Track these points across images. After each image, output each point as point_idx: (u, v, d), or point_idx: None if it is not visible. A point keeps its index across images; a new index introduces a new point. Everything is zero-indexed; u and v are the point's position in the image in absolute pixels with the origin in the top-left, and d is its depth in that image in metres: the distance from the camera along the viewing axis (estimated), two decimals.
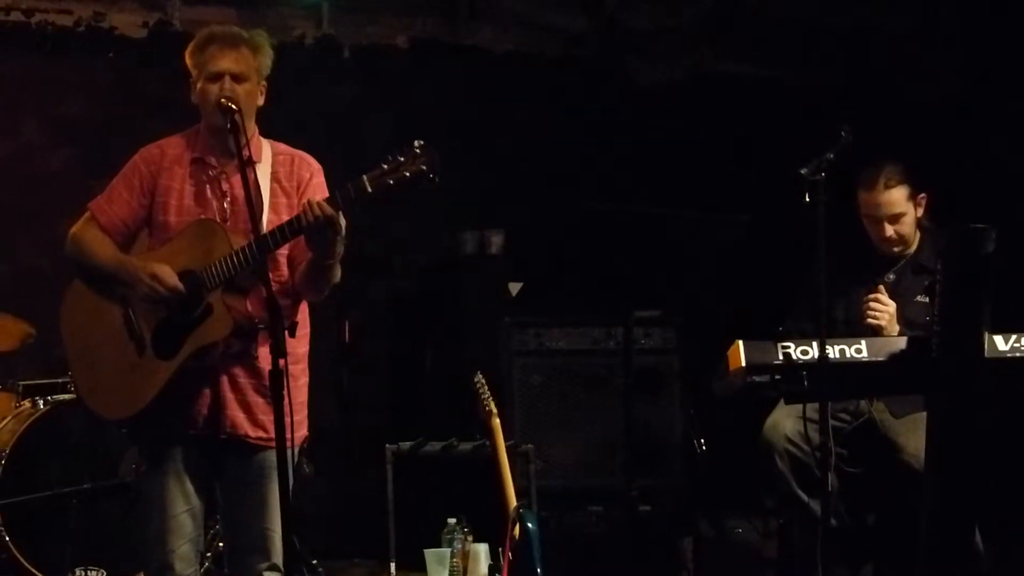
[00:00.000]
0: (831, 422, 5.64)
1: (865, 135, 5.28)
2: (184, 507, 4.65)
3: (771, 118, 8.71)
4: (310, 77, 8.44)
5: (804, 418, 5.34)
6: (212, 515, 4.98)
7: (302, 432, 4.74)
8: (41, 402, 6.86)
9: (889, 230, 5.95)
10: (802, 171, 5.08)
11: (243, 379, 4.63)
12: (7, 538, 6.59)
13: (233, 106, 4.51)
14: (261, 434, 4.64)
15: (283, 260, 4.70)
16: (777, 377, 5.10)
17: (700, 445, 7.11)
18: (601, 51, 9.10)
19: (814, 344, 5.06)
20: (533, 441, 7.14)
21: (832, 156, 5.11)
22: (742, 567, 7.06)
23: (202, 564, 6.21)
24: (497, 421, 6.20)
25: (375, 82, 8.75)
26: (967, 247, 4.74)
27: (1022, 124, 7.70)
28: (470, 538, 7.16)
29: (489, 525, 6.60)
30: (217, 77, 4.64)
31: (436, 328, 8.37)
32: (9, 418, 6.88)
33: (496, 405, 6.25)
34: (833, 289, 5.81)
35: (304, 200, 4.66)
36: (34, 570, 6.60)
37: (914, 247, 6.03)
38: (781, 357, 5.07)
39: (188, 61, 4.73)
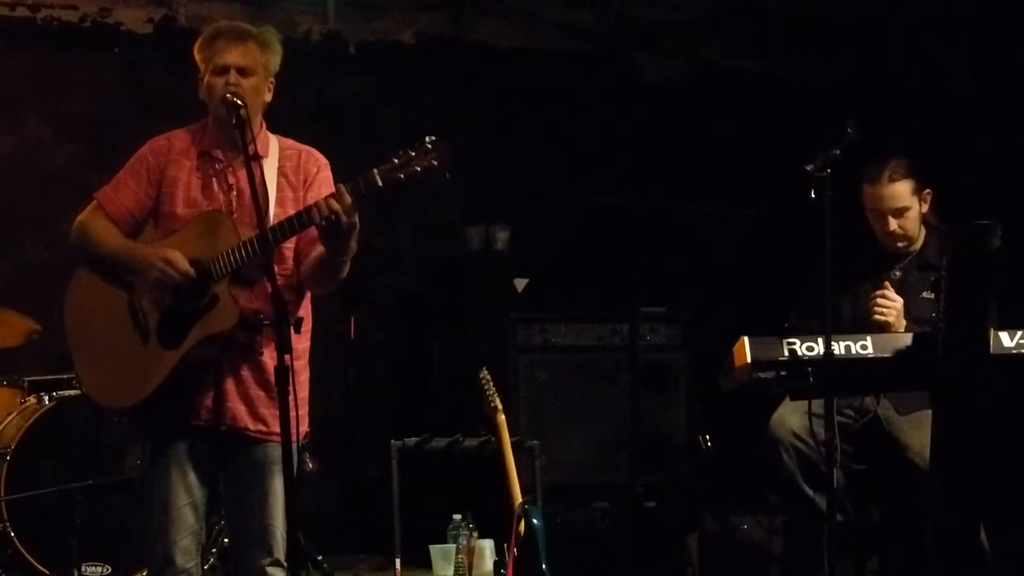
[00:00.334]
0: (836, 418, 5.64)
1: (871, 131, 5.27)
2: (186, 499, 4.63)
3: (777, 114, 8.70)
4: (315, 73, 8.43)
5: (810, 414, 5.33)
6: (216, 510, 4.97)
7: (303, 427, 4.73)
8: (46, 398, 6.85)
9: (893, 224, 5.93)
10: (808, 167, 5.07)
11: (246, 372, 4.62)
12: (12, 534, 6.60)
13: (239, 101, 4.50)
14: (261, 427, 4.63)
15: (289, 254, 4.69)
16: (783, 373, 5.10)
17: (705, 441, 7.10)
18: (607, 47, 9.09)
19: (819, 340, 5.05)
20: (539, 437, 7.13)
21: (838, 152, 5.10)
22: (748, 564, 7.05)
23: (207, 560, 6.21)
24: (502, 417, 6.20)
25: (381, 78, 8.75)
26: (972, 243, 4.74)
27: None
28: (475, 534, 7.15)
29: (494, 521, 6.60)
30: (223, 70, 4.63)
31: (442, 324, 8.37)
32: (14, 414, 6.89)
33: (502, 401, 6.25)
34: (839, 287, 5.81)
35: (311, 194, 4.67)
36: (39, 566, 6.61)
37: (919, 244, 6.01)
38: (787, 353, 5.07)
39: (196, 56, 4.72)
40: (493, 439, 6.28)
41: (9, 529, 6.60)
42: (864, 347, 5.09)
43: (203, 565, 4.86)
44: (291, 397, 4.15)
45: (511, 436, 6.27)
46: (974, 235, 4.75)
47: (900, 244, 5.97)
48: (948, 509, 4.94)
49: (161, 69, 8.04)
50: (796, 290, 6.02)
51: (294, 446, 4.46)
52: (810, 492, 5.79)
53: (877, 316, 5.73)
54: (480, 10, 8.91)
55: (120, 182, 4.76)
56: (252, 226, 4.48)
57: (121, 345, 4.66)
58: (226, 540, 6.42)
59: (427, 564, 7.20)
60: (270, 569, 4.64)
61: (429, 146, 4.45)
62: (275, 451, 4.49)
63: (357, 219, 4.44)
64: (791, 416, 5.77)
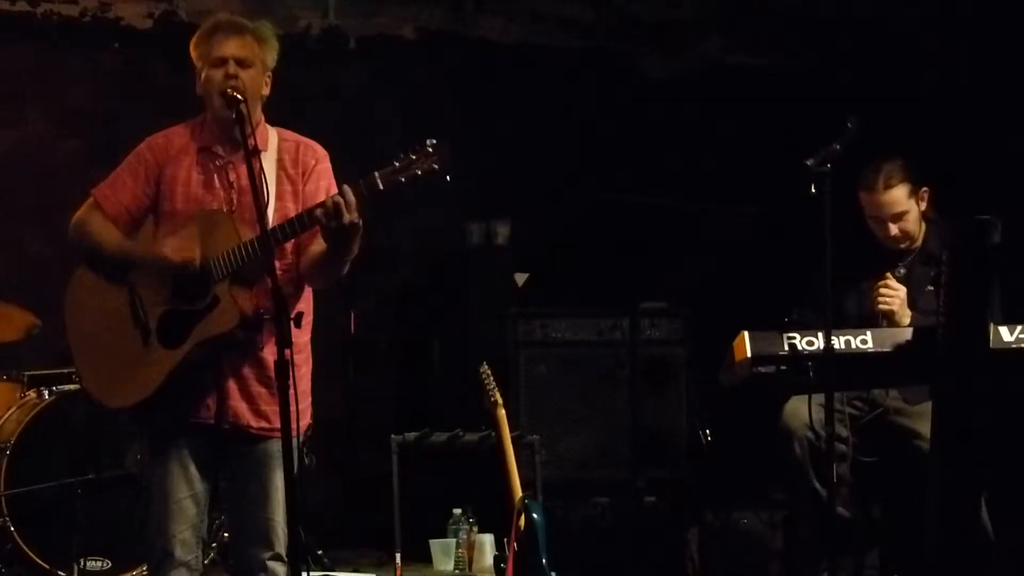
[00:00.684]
0: (847, 410, 5.65)
1: (873, 126, 5.26)
2: (187, 492, 4.64)
3: (779, 110, 8.70)
4: (316, 68, 8.43)
5: (827, 405, 5.28)
6: (217, 504, 4.97)
7: (305, 421, 4.74)
8: (46, 393, 6.86)
9: (893, 229, 5.94)
10: (808, 162, 5.07)
11: (246, 369, 4.62)
12: (12, 528, 6.60)
13: (238, 96, 4.50)
14: (263, 424, 4.63)
15: (289, 247, 4.68)
16: (783, 368, 5.10)
17: (706, 436, 7.11)
18: (608, 42, 9.09)
19: (820, 335, 5.05)
20: (539, 432, 7.14)
21: (838, 147, 5.10)
22: (748, 558, 7.05)
23: (207, 555, 6.22)
24: (503, 412, 6.20)
25: (381, 73, 8.74)
26: (972, 238, 4.74)
27: None
28: (475, 529, 7.17)
29: (494, 516, 6.61)
30: (221, 62, 4.61)
31: (442, 319, 8.37)
32: (14, 408, 6.89)
33: (502, 396, 6.25)
34: (843, 284, 5.83)
35: (309, 186, 4.67)
36: (39, 560, 6.61)
37: (920, 239, 6.02)
38: (787, 348, 5.07)
39: (193, 52, 4.72)
40: (493, 434, 6.28)
41: (9, 524, 6.60)
42: (864, 341, 5.09)
43: (203, 559, 4.85)
44: (291, 392, 4.15)
45: (511, 431, 6.27)
46: (974, 230, 4.75)
47: (902, 245, 5.98)
48: (948, 501, 4.94)
49: (161, 64, 8.03)
50: (796, 286, 6.02)
51: (295, 440, 4.47)
52: (819, 486, 5.77)
53: (881, 306, 5.74)
54: (481, 6, 8.91)
55: (117, 179, 4.74)
56: (252, 223, 4.48)
57: (122, 345, 4.66)
58: (226, 535, 6.43)
59: (427, 559, 7.21)
60: (271, 563, 4.65)
61: (430, 149, 4.46)
62: (276, 446, 4.49)
63: (360, 220, 4.43)
64: (805, 407, 5.74)
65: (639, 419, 7.25)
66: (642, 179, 8.35)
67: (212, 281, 4.54)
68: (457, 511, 7.24)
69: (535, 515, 5.90)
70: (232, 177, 4.68)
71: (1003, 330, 5.01)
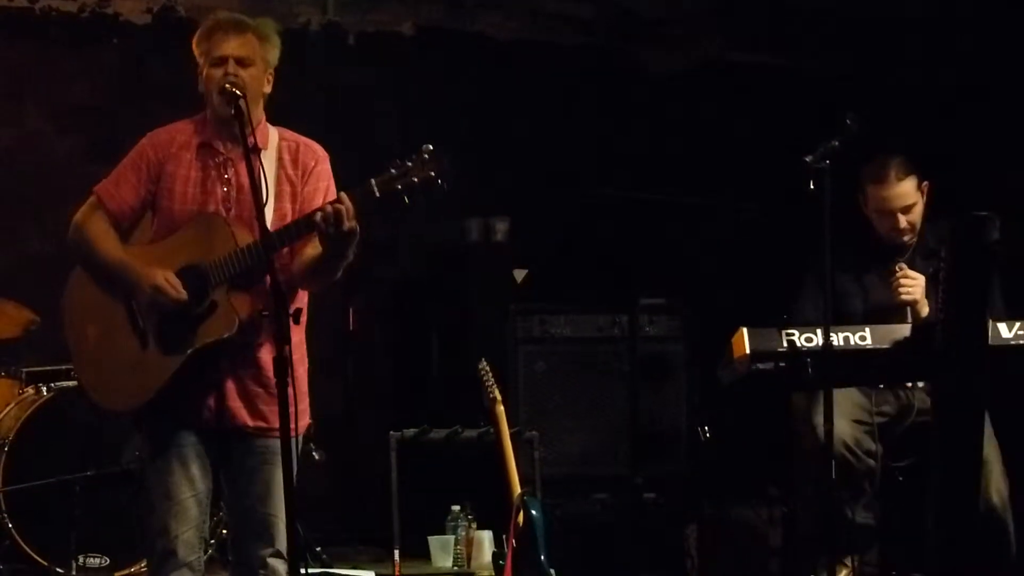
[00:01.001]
0: (876, 419, 5.62)
1: (873, 123, 5.26)
2: (189, 492, 4.63)
3: (779, 106, 8.69)
4: (315, 64, 8.42)
5: (827, 402, 5.25)
6: (217, 502, 4.97)
7: (305, 420, 4.73)
8: (44, 389, 6.85)
9: (903, 221, 5.94)
10: (807, 159, 5.07)
11: (243, 370, 4.62)
12: (10, 525, 6.60)
13: (237, 92, 4.49)
14: (260, 423, 4.62)
15: (285, 250, 4.67)
16: (781, 364, 5.10)
17: (705, 433, 7.10)
18: (608, 39, 9.08)
19: (818, 331, 5.05)
20: (538, 428, 7.14)
21: (837, 144, 5.10)
22: (747, 555, 7.05)
23: (206, 551, 6.21)
24: (501, 408, 6.20)
25: (380, 69, 8.73)
26: (971, 235, 4.74)
27: None
28: (474, 525, 7.17)
29: (493, 512, 6.60)
30: (222, 61, 4.61)
31: (441, 315, 8.37)
32: (12, 405, 6.88)
33: (501, 392, 6.25)
34: (844, 282, 5.82)
35: (308, 187, 4.67)
36: (37, 557, 6.61)
37: (917, 234, 6.03)
38: (786, 344, 5.07)
39: (195, 49, 4.70)
40: (492, 430, 6.28)
41: (7, 520, 6.60)
42: (863, 338, 5.09)
43: (203, 556, 4.85)
44: (290, 390, 4.15)
45: (510, 427, 6.26)
46: (973, 227, 4.75)
47: (906, 238, 5.98)
48: (948, 497, 4.94)
49: (160, 60, 8.02)
50: (794, 283, 6.01)
51: (297, 439, 4.47)
52: (849, 513, 5.74)
53: (904, 296, 5.72)
54: (480, 2, 8.90)
55: (120, 176, 4.73)
56: (250, 221, 4.48)
57: (120, 349, 4.65)
58: (225, 531, 6.43)
59: (426, 555, 7.21)
60: (270, 560, 4.64)
61: (427, 156, 4.45)
62: (275, 443, 4.46)
63: (357, 226, 4.43)
64: (841, 424, 5.67)
65: (638, 415, 7.26)
66: (641, 176, 8.34)
67: (210, 286, 4.54)
68: (456, 508, 7.25)
69: (534, 512, 5.90)
70: (231, 174, 4.67)
71: (1002, 327, 5.01)
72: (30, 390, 6.91)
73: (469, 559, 7.13)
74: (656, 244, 8.15)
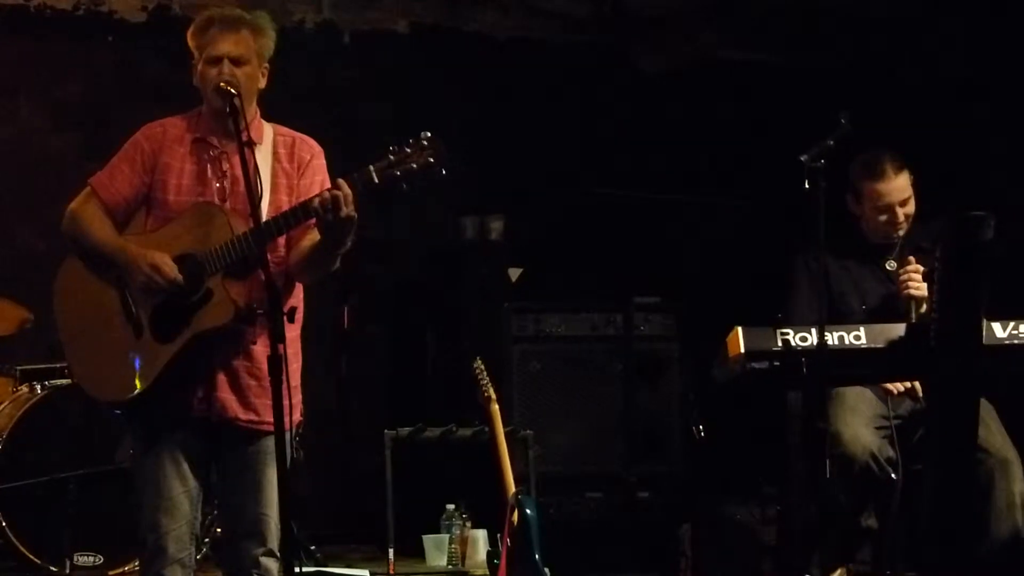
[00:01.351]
0: (893, 422, 5.60)
1: (866, 120, 5.26)
2: (180, 488, 4.62)
3: (774, 105, 8.69)
4: (310, 62, 8.42)
5: (821, 399, 5.25)
6: (209, 499, 4.96)
7: (296, 416, 4.73)
8: (39, 387, 6.85)
9: (900, 215, 5.94)
10: (801, 158, 5.06)
11: (237, 362, 4.61)
12: (4, 523, 6.59)
13: (232, 90, 4.49)
14: (252, 417, 4.61)
15: (281, 241, 4.66)
16: (776, 364, 5.09)
17: (699, 431, 7.10)
18: (603, 37, 9.08)
19: (813, 331, 5.04)
20: (532, 427, 7.15)
21: (832, 142, 5.10)
22: (740, 553, 7.05)
23: (200, 550, 6.21)
24: (496, 407, 6.20)
25: (375, 68, 8.73)
26: (966, 234, 4.74)
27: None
28: (468, 524, 7.17)
29: (488, 511, 6.60)
30: (217, 60, 4.60)
31: (436, 314, 8.37)
32: (6, 403, 6.88)
33: (495, 391, 6.25)
34: (837, 281, 5.82)
35: (304, 181, 4.66)
36: (31, 555, 6.60)
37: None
38: (780, 344, 5.06)
39: (190, 43, 4.70)
40: (486, 429, 6.29)
41: (1, 519, 6.59)
42: (857, 337, 5.07)
43: (196, 554, 4.84)
44: (284, 387, 4.15)
45: (504, 426, 6.27)
46: (967, 226, 4.75)
47: (901, 232, 5.98)
48: (942, 497, 4.94)
49: (155, 58, 8.03)
50: (787, 282, 6.00)
51: (290, 435, 4.46)
52: (863, 523, 5.74)
53: (913, 291, 5.71)
54: (476, 0, 8.91)
55: (115, 168, 4.73)
56: (246, 214, 4.47)
57: (114, 339, 4.63)
58: (218, 530, 6.42)
59: (420, 554, 7.21)
60: (263, 559, 4.63)
61: (425, 142, 4.44)
62: (268, 441, 4.47)
63: (355, 213, 4.42)
64: (864, 432, 5.64)
65: (632, 414, 7.26)
66: (636, 174, 8.34)
67: (205, 274, 4.53)
68: (450, 506, 7.24)
69: (528, 510, 5.90)
70: (226, 168, 4.66)
71: (996, 326, 5.01)
72: (24, 388, 6.91)
73: (464, 558, 7.13)
74: (651, 243, 8.16)
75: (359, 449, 7.97)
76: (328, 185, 4.61)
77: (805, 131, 5.21)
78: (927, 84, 8.47)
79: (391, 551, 6.86)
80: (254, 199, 4.34)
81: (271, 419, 4.22)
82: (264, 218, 4.47)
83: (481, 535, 7.08)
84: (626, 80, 9.05)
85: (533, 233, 8.35)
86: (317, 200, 4.40)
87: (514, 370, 7.52)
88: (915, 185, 5.97)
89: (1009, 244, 5.14)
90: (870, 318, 5.62)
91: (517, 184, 8.58)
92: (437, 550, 7.16)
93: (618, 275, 7.60)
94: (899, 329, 5.15)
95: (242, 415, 4.61)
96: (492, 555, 6.27)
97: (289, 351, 4.51)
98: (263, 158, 4.66)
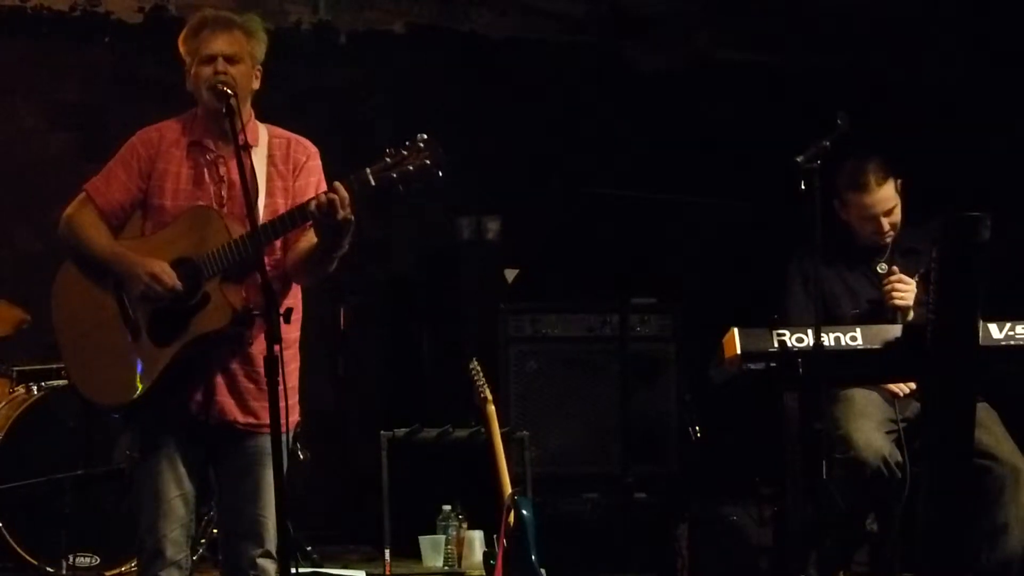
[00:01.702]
0: (901, 425, 5.59)
1: (863, 122, 5.26)
2: (177, 492, 4.62)
3: (770, 105, 8.69)
4: (306, 63, 8.41)
5: (814, 397, 5.24)
6: (206, 501, 4.96)
7: (294, 417, 4.73)
8: (35, 388, 6.85)
9: (886, 224, 5.94)
10: (798, 159, 5.07)
11: (234, 365, 4.61)
12: (1, 524, 6.59)
13: (228, 90, 4.49)
14: (251, 420, 4.62)
15: (278, 244, 4.67)
16: (772, 365, 5.09)
17: (696, 432, 7.11)
18: (600, 37, 9.08)
19: (809, 332, 5.05)
20: (528, 428, 7.14)
21: (828, 144, 5.10)
22: (737, 554, 7.05)
23: (196, 551, 6.21)
24: (492, 408, 6.21)
25: (372, 68, 8.73)
26: (962, 235, 4.74)
27: (1020, 113, 7.69)
28: (465, 525, 7.17)
29: (484, 512, 6.61)
30: (210, 59, 4.60)
31: (432, 314, 8.37)
32: (3, 404, 6.88)
33: (492, 392, 6.25)
34: (833, 282, 5.82)
35: (299, 183, 4.66)
36: (28, 556, 6.60)
37: None
38: (776, 345, 5.06)
39: (181, 48, 4.70)
40: (483, 430, 6.29)
41: None
42: (853, 338, 5.08)
43: (192, 556, 4.85)
44: (280, 388, 4.15)
45: (501, 427, 6.28)
46: (964, 226, 4.75)
47: (888, 239, 5.98)
48: (938, 499, 4.95)
49: (151, 59, 8.01)
50: (781, 284, 6.00)
51: (288, 436, 4.46)
52: (868, 528, 5.74)
53: (898, 301, 5.71)
54: (472, 0, 8.90)
55: (110, 173, 4.73)
56: (243, 218, 4.47)
57: (112, 343, 4.63)
58: (215, 531, 6.42)
59: (417, 555, 7.21)
60: (260, 560, 4.64)
61: (421, 144, 4.44)
62: (266, 442, 4.47)
63: (352, 215, 4.42)
64: (877, 436, 5.62)
65: (629, 415, 7.25)
66: (633, 174, 8.34)
67: (203, 278, 4.53)
68: (447, 507, 7.24)
69: (525, 511, 5.90)
70: (222, 171, 4.67)
71: (992, 327, 5.01)
72: (21, 389, 6.90)
73: (460, 559, 7.13)
74: (647, 243, 8.16)
75: (355, 450, 7.97)
76: (324, 186, 4.61)
77: (803, 132, 5.22)
78: (926, 85, 8.48)
79: (387, 552, 6.86)
80: (251, 203, 4.34)
81: (269, 421, 4.22)
82: (260, 221, 4.47)
83: (477, 536, 7.08)
84: (622, 80, 9.04)
85: (529, 234, 8.35)
86: (314, 203, 4.40)
87: (510, 371, 7.51)
88: (906, 188, 5.96)
89: (1007, 245, 5.14)
90: (861, 320, 5.63)
91: (513, 184, 8.58)
92: (433, 551, 7.16)
93: (615, 276, 7.59)
94: (895, 330, 5.15)
95: (240, 418, 4.62)
96: (488, 556, 6.27)
97: (288, 352, 4.51)
98: (258, 161, 4.66)
